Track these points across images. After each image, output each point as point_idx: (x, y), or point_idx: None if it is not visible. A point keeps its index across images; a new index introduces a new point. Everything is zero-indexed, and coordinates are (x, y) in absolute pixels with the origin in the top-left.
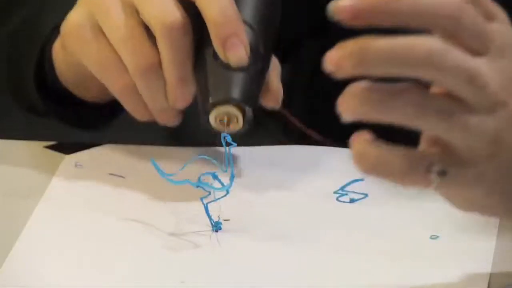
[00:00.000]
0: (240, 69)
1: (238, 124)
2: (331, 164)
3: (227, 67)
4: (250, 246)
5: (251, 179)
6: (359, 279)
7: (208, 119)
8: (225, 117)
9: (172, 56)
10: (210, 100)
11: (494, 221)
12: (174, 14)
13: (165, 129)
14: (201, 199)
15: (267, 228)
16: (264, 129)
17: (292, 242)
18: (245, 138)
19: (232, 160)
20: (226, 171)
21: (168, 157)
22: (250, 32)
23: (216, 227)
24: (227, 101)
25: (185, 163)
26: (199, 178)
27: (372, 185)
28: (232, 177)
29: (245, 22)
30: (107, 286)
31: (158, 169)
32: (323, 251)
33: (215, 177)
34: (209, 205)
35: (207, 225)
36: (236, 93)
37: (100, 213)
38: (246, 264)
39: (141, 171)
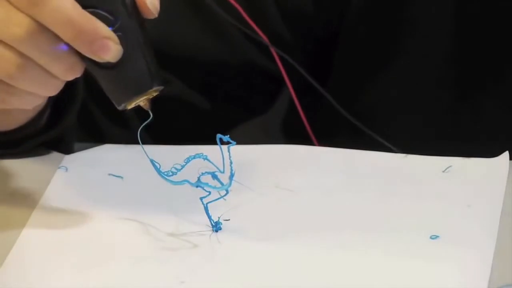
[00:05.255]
0: (124, 58)
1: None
2: (331, 164)
3: (110, 66)
4: (250, 246)
5: (251, 179)
6: (359, 279)
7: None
8: (140, 103)
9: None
10: (117, 106)
11: (494, 221)
12: None
13: (164, 129)
14: (201, 199)
15: (267, 228)
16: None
17: (291, 242)
18: (244, 137)
19: (231, 159)
20: (223, 172)
21: (167, 157)
22: (105, 14)
23: (216, 227)
24: (132, 100)
25: (184, 163)
26: (198, 178)
27: (372, 185)
28: (231, 176)
29: (94, 10)
30: (107, 286)
31: (157, 169)
32: (323, 251)
33: (214, 176)
34: (209, 205)
35: (207, 225)
36: (136, 89)
37: (100, 213)
38: (246, 264)
39: (140, 171)
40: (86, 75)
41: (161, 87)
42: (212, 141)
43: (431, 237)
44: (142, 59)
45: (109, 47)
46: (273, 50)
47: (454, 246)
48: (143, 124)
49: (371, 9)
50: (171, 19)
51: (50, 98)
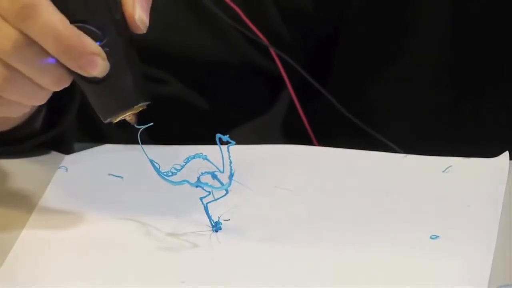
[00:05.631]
0: (111, 73)
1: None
2: (331, 164)
3: (97, 81)
4: (250, 246)
5: (251, 179)
6: (359, 279)
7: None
8: (125, 118)
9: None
10: (103, 120)
11: (494, 221)
12: None
13: (163, 129)
14: (201, 199)
15: (267, 228)
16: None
17: (292, 242)
18: (244, 137)
19: (231, 159)
20: (223, 172)
21: (167, 157)
22: (93, 29)
23: (216, 227)
24: (118, 115)
25: (184, 163)
26: (198, 178)
27: (372, 185)
28: (231, 176)
29: (82, 25)
30: (107, 286)
31: (156, 169)
32: (323, 251)
33: (214, 176)
34: (209, 205)
35: (207, 225)
36: (122, 104)
37: (100, 214)
38: (246, 264)
39: (140, 171)
40: None
41: (147, 103)
42: (212, 141)
43: (431, 237)
44: (129, 74)
45: (96, 63)
46: (272, 51)
47: (454, 246)
48: (143, 127)
49: (371, 9)
50: (171, 20)
51: None
